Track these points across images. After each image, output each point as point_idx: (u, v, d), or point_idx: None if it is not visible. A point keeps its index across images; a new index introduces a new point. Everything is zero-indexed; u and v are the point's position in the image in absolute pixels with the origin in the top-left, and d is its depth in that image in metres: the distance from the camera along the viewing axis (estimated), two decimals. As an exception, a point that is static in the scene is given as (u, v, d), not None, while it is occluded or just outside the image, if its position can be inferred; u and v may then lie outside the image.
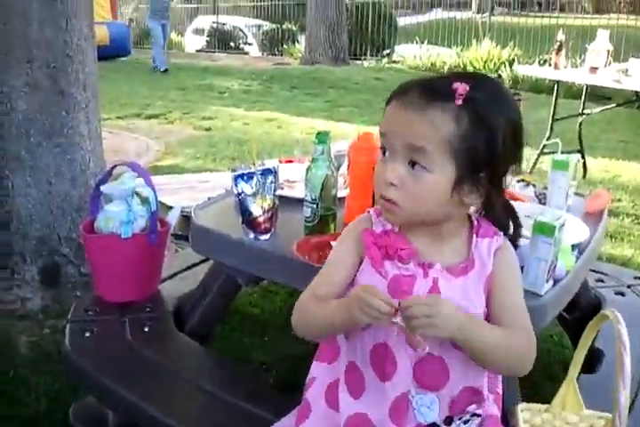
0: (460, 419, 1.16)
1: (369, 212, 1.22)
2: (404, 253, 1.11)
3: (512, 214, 1.20)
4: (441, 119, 1.02)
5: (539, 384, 2.06)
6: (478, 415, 1.17)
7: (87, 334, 1.87)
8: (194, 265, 2.34)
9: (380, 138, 1.11)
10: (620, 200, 4.48)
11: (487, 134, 1.03)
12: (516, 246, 1.22)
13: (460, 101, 1.02)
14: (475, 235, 1.16)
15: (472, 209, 1.16)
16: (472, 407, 1.17)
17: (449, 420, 1.16)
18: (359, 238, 1.18)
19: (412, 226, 1.15)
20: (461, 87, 1.02)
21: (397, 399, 1.14)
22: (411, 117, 1.04)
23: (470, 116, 1.03)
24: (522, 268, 1.47)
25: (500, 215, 1.18)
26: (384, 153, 1.10)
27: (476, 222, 1.17)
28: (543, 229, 1.45)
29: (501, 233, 1.18)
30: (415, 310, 1.00)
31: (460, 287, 1.12)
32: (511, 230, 1.20)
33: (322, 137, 1.69)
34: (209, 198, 2.33)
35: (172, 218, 2.31)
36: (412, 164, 1.05)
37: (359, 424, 1.18)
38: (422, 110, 1.03)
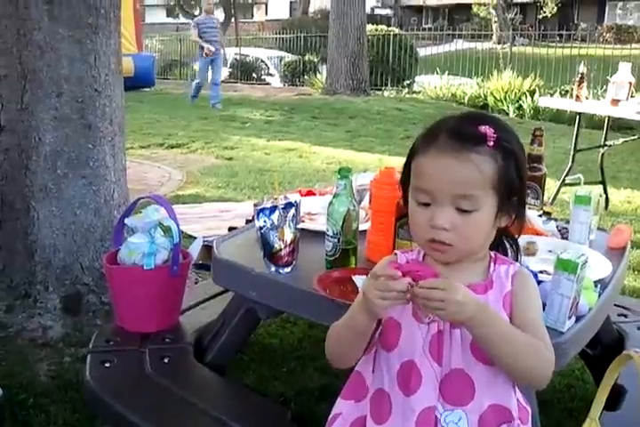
0: None
1: (395, 254, 1.28)
2: (424, 273, 1.13)
3: (512, 237, 1.28)
4: (481, 163, 1.10)
5: (560, 421, 2.03)
6: None
7: (107, 365, 1.89)
8: (215, 295, 2.35)
9: (417, 192, 1.15)
10: (642, 232, 4.43)
11: (516, 163, 1.14)
12: None
13: (491, 143, 1.10)
14: (493, 263, 1.22)
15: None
16: None
17: None
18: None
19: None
20: (489, 130, 1.11)
21: (423, 414, 1.15)
22: (452, 165, 1.11)
23: (502, 152, 1.12)
24: (544, 304, 1.48)
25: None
26: (421, 203, 1.15)
27: (493, 255, 1.23)
28: (566, 267, 1.44)
29: (517, 263, 1.24)
30: (430, 294, 1.05)
31: None
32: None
33: (344, 173, 1.71)
34: (230, 229, 2.36)
35: (194, 249, 2.33)
36: (458, 209, 1.12)
37: None
38: (463, 160, 1.10)
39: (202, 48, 10.63)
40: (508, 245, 1.26)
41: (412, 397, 1.16)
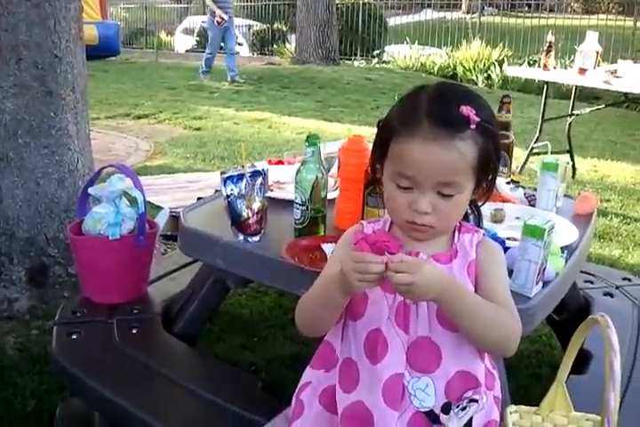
0: (457, 406, 1.17)
1: (361, 224, 1.28)
2: (390, 244, 1.15)
3: (474, 204, 1.28)
4: (466, 149, 1.09)
5: (528, 386, 2.06)
6: (475, 401, 1.18)
7: (74, 336, 1.86)
8: (183, 266, 2.33)
9: (397, 176, 1.13)
10: (608, 200, 4.50)
11: (494, 142, 1.13)
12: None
13: (474, 126, 1.09)
14: (457, 232, 1.23)
15: None
16: (469, 393, 1.18)
17: (447, 407, 1.17)
18: (351, 242, 1.23)
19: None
20: (471, 113, 1.08)
21: (390, 381, 1.16)
22: (438, 156, 1.09)
23: (482, 134, 1.11)
24: (511, 270, 1.49)
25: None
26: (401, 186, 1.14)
27: (457, 223, 1.23)
28: (533, 233, 1.45)
29: (481, 230, 1.25)
30: (398, 279, 1.05)
31: (445, 272, 1.16)
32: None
33: (312, 140, 1.69)
34: (198, 199, 2.33)
35: (161, 219, 2.29)
36: (440, 193, 1.12)
37: (354, 412, 1.19)
38: (448, 147, 1.08)
39: (213, 15, 9.74)
40: (469, 211, 1.26)
41: (379, 365, 1.17)
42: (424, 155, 1.09)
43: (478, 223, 1.29)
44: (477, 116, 1.09)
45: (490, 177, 1.17)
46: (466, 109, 1.08)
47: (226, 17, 9.69)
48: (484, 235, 1.24)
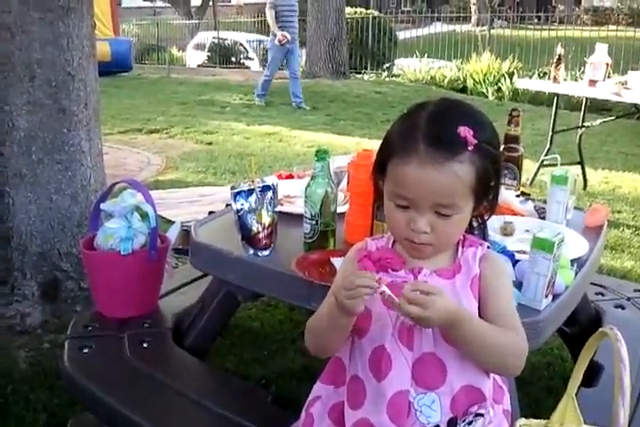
0: (463, 421, 1.17)
1: (365, 240, 1.29)
2: (393, 261, 1.18)
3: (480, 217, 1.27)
4: (463, 171, 1.08)
5: (539, 399, 2.06)
6: (481, 415, 1.18)
7: (86, 351, 1.87)
8: (194, 280, 2.34)
9: (395, 196, 1.14)
10: (620, 212, 4.48)
11: (494, 162, 1.13)
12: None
13: (471, 148, 1.08)
14: (461, 246, 1.22)
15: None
16: (474, 408, 1.18)
17: (453, 422, 1.17)
18: (355, 260, 1.23)
19: None
20: (468, 133, 1.07)
21: (395, 398, 1.16)
22: (434, 178, 1.08)
23: (482, 155, 1.10)
24: (521, 283, 1.49)
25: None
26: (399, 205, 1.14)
27: (461, 236, 1.22)
28: (542, 246, 1.45)
29: (486, 243, 1.24)
30: (409, 310, 1.05)
31: (449, 288, 1.17)
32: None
33: (321, 154, 1.70)
34: (210, 213, 2.35)
35: (172, 234, 2.31)
36: (438, 213, 1.11)
37: None
38: (443, 169, 1.08)
39: (275, 35, 9.02)
40: (475, 223, 1.25)
41: (384, 382, 1.17)
42: (420, 178, 1.08)
43: (483, 237, 1.29)
44: (476, 137, 1.08)
45: (491, 195, 1.17)
46: (464, 131, 1.07)
47: (289, 36, 9.01)
48: (488, 248, 1.24)
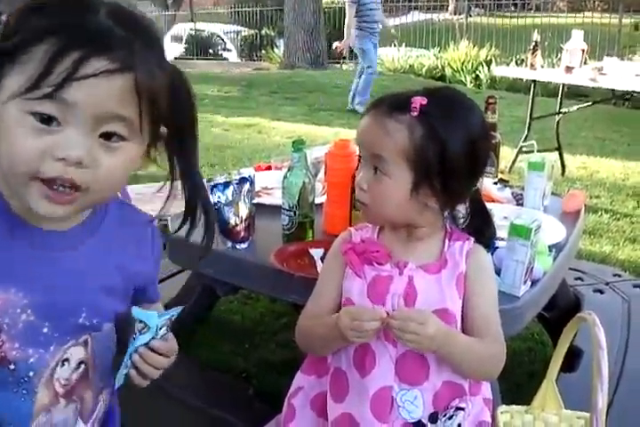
0: (444, 415, 1.18)
1: (349, 231, 1.30)
2: (379, 255, 1.19)
3: (486, 221, 1.28)
4: (396, 129, 1.12)
5: (520, 384, 2.06)
6: (462, 409, 1.19)
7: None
8: (172, 275, 2.32)
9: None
10: (598, 197, 4.51)
11: (438, 146, 1.11)
12: (487, 246, 1.28)
13: (414, 113, 1.11)
14: (447, 240, 1.22)
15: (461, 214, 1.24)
16: (455, 402, 1.19)
17: (434, 417, 1.18)
18: (340, 252, 1.24)
19: (388, 231, 1.24)
20: (418, 100, 1.11)
21: (377, 394, 1.16)
22: (372, 128, 1.15)
23: (423, 127, 1.11)
24: (499, 270, 1.49)
25: (477, 220, 1.26)
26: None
27: (449, 229, 1.23)
28: (519, 232, 1.45)
29: (472, 238, 1.24)
30: (406, 326, 1.07)
31: (434, 283, 1.18)
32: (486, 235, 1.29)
33: (298, 145, 1.69)
34: (187, 207, 2.32)
35: (150, 228, 2.29)
36: (375, 169, 1.15)
37: (343, 424, 1.20)
38: (382, 121, 1.13)
39: (363, 29, 7.85)
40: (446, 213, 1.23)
41: (367, 377, 1.18)
42: (362, 127, 1.18)
43: (488, 243, 1.30)
44: (425, 108, 1.10)
45: (438, 184, 1.13)
46: (418, 99, 1.11)
47: (345, 48, 8.20)
48: (474, 242, 1.23)
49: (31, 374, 0.89)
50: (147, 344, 0.92)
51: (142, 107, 0.81)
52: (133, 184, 4.23)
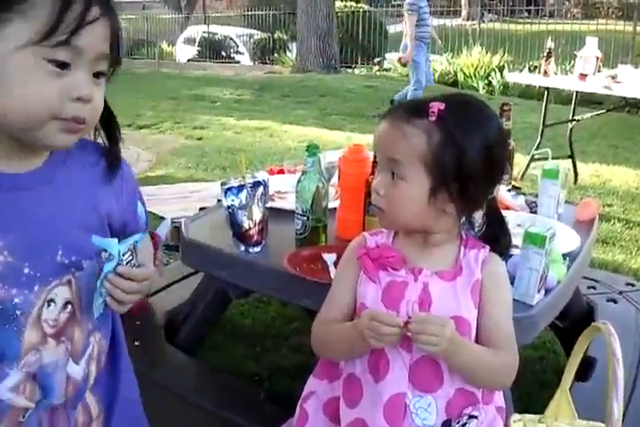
0: (457, 423, 1.17)
1: (364, 236, 1.28)
2: (393, 260, 1.18)
3: (502, 229, 1.26)
4: (413, 134, 1.11)
5: (532, 392, 2.06)
6: (475, 417, 1.18)
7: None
8: (185, 277, 2.33)
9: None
10: (610, 205, 4.49)
11: (455, 151, 1.10)
12: (503, 255, 1.27)
13: (432, 118, 1.10)
14: (463, 247, 1.21)
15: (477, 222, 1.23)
16: (468, 410, 1.18)
17: (447, 424, 1.17)
18: (354, 258, 1.23)
19: (403, 237, 1.23)
20: (436, 105, 1.11)
21: (391, 400, 1.16)
22: (390, 133, 1.15)
23: (441, 133, 1.10)
24: (513, 278, 1.49)
25: (493, 228, 1.25)
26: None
27: (465, 237, 1.22)
28: (534, 240, 1.45)
29: (488, 247, 1.23)
30: (425, 329, 1.07)
31: (449, 290, 1.17)
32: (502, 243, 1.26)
33: (312, 150, 1.70)
34: (201, 209, 2.33)
35: (162, 230, 2.30)
36: (392, 174, 1.14)
37: None
38: (399, 126, 1.13)
39: (420, 39, 7.54)
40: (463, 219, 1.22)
41: (381, 383, 1.17)
42: (379, 131, 1.17)
43: (472, 230, 1.26)
44: (443, 113, 1.10)
45: (455, 189, 1.12)
46: (435, 104, 1.11)
47: (409, 60, 7.70)
48: (490, 251, 1.22)
49: (18, 313, 0.91)
50: (114, 271, 0.95)
51: (113, 45, 0.91)
52: (145, 186, 4.26)
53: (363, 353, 1.19)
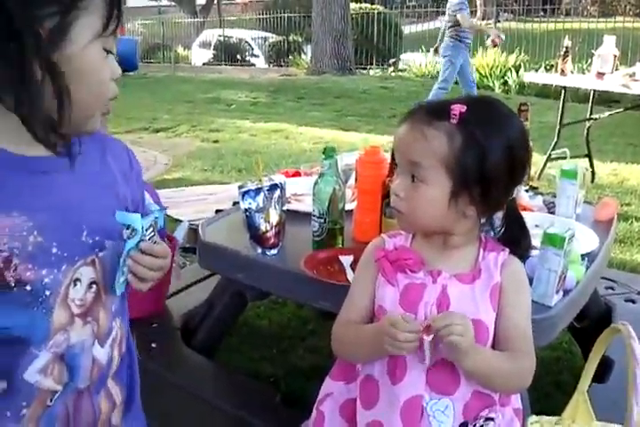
0: (474, 425, 1.17)
1: (382, 238, 1.28)
2: (411, 262, 1.17)
3: (522, 231, 1.25)
4: (435, 136, 1.10)
5: (549, 393, 2.05)
6: (492, 419, 1.18)
7: (96, 352, 1.87)
8: (201, 279, 2.34)
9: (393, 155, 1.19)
10: (628, 204, 4.44)
11: (477, 154, 1.09)
12: (522, 257, 1.26)
13: (454, 121, 1.09)
14: (482, 249, 1.20)
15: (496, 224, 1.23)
16: (484, 412, 1.17)
17: (464, 426, 1.16)
18: (372, 260, 1.23)
19: (422, 239, 1.22)
20: (457, 108, 1.09)
21: (408, 402, 1.15)
22: (410, 135, 1.13)
23: (463, 135, 1.09)
24: (531, 279, 1.48)
25: (512, 230, 1.24)
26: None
27: (484, 239, 1.22)
28: (553, 241, 1.44)
29: (507, 249, 1.22)
30: (452, 319, 1.06)
31: (468, 293, 1.16)
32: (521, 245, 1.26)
33: (329, 152, 1.70)
34: (217, 211, 2.34)
35: (180, 233, 2.31)
36: (412, 177, 1.13)
37: None
38: (420, 128, 1.12)
39: (455, 38, 7.50)
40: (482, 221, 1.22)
41: (398, 385, 1.17)
42: (399, 133, 1.16)
43: (493, 231, 1.26)
44: (465, 116, 1.09)
45: (477, 192, 1.12)
46: (457, 106, 1.10)
47: (501, 37, 7.84)
48: (509, 254, 1.21)
49: (47, 293, 0.93)
50: (137, 247, 0.95)
51: None
52: (162, 189, 4.28)
53: (382, 356, 1.18)
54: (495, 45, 8.26)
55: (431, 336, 1.07)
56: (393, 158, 1.31)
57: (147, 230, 0.96)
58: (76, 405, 1.01)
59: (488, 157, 1.09)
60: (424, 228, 1.19)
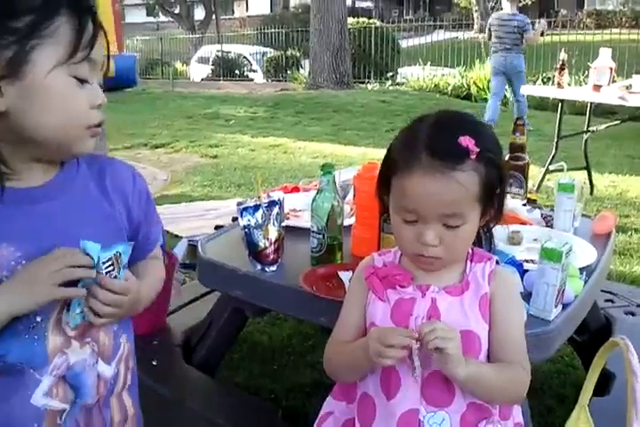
0: None
1: (372, 256, 1.27)
2: (400, 278, 1.17)
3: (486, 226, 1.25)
4: (467, 181, 1.07)
5: (550, 407, 2.04)
6: None
7: (97, 370, 1.87)
8: (202, 296, 2.34)
9: (402, 211, 1.12)
10: (627, 216, 4.45)
11: (496, 171, 1.11)
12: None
13: (473, 156, 1.07)
14: (469, 261, 1.20)
15: None
16: (482, 424, 1.17)
17: None
18: (363, 278, 1.23)
19: None
20: (470, 143, 1.06)
21: (404, 417, 1.15)
22: (438, 188, 1.07)
23: (485, 164, 1.09)
24: (530, 293, 1.49)
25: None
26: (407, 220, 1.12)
27: (470, 251, 1.21)
28: (550, 256, 1.44)
29: (494, 258, 1.22)
30: (436, 327, 1.06)
31: (457, 305, 1.16)
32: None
33: (327, 168, 1.71)
34: (216, 227, 2.35)
35: (179, 250, 2.31)
36: (446, 224, 1.10)
37: None
38: (448, 181, 1.06)
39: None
40: (482, 234, 1.25)
41: (393, 400, 1.16)
42: (423, 188, 1.07)
43: (490, 247, 1.28)
44: (477, 145, 1.06)
45: (497, 203, 1.15)
46: (464, 140, 1.06)
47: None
48: (497, 262, 1.22)
49: (39, 319, 0.94)
50: (95, 280, 0.94)
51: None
52: (161, 204, 4.29)
53: (372, 370, 1.18)
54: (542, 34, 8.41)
55: (419, 343, 1.06)
56: (382, 201, 1.20)
57: (104, 264, 0.94)
58: (86, 420, 1.02)
59: (502, 168, 1.13)
60: (458, 261, 1.19)
